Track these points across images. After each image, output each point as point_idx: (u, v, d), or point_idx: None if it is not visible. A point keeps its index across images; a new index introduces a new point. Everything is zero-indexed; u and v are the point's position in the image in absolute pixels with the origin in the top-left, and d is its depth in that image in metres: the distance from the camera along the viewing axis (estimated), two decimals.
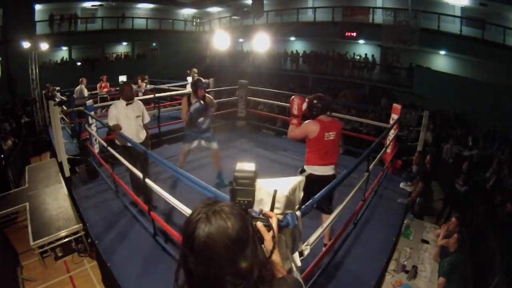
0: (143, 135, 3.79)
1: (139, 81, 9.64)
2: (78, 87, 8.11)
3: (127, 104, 3.65)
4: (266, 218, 0.97)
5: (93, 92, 8.85)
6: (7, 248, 4.02)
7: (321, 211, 2.75)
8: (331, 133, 2.71)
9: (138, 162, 3.41)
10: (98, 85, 8.73)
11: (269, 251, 0.94)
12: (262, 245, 0.95)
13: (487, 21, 10.00)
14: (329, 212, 2.62)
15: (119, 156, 3.73)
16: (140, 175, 2.89)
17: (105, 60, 16.47)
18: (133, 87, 3.98)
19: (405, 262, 3.15)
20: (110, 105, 7.89)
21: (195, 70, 8.20)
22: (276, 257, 0.96)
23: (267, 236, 0.94)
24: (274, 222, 1.00)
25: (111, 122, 3.59)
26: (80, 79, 8.21)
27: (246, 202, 0.97)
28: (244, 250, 0.71)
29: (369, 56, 13.17)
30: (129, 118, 3.65)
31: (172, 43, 17.05)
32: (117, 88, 8.71)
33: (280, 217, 1.39)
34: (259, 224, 0.94)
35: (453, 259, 2.97)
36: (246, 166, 1.00)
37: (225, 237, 0.69)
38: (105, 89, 8.49)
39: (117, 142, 3.73)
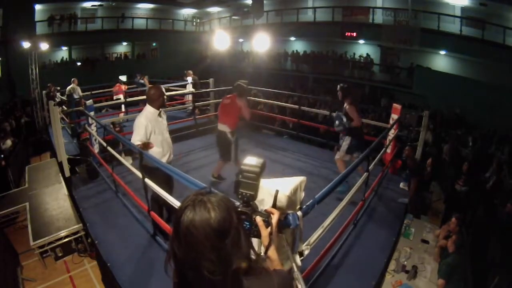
0: None
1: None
2: (70, 87, 8.17)
3: (159, 114, 2.96)
4: (267, 214, 0.99)
5: (99, 91, 8.91)
6: (7, 248, 4.01)
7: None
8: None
9: (164, 183, 2.78)
10: (114, 88, 8.65)
11: (265, 246, 0.97)
12: (257, 239, 0.98)
13: (487, 21, 10.01)
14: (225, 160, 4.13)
15: (119, 157, 3.73)
16: (140, 175, 2.88)
17: (105, 60, 16.47)
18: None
19: (405, 262, 3.15)
20: (111, 104, 7.94)
21: (190, 71, 8.39)
22: (272, 253, 0.98)
23: (264, 232, 0.96)
24: (274, 219, 1.01)
25: (139, 138, 2.80)
26: (72, 79, 8.30)
27: (248, 194, 0.98)
28: (224, 240, 0.74)
29: (369, 56, 13.18)
30: (165, 130, 3.02)
31: (172, 43, 17.05)
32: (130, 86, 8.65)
33: (282, 217, 1.39)
34: (258, 219, 0.96)
35: (451, 260, 2.97)
36: (254, 160, 1.01)
37: (206, 226, 0.72)
38: (120, 92, 8.41)
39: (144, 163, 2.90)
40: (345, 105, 3.94)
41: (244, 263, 0.78)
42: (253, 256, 0.87)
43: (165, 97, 3.00)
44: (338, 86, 3.96)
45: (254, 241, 1.01)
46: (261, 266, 0.86)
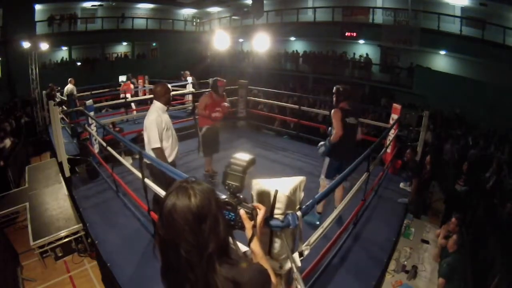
0: None
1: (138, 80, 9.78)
2: (68, 87, 8.23)
3: (166, 110, 2.95)
4: (252, 208, 1.04)
5: (99, 91, 8.89)
6: (7, 248, 4.01)
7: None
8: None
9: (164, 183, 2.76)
10: (123, 87, 8.66)
11: (248, 238, 1.02)
12: (241, 230, 1.03)
13: (487, 21, 10.01)
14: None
15: (119, 156, 3.73)
16: (140, 175, 2.88)
17: (105, 60, 16.47)
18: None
19: (405, 262, 3.15)
20: (111, 104, 8.03)
21: (187, 72, 8.45)
22: (255, 247, 1.03)
23: (248, 225, 1.02)
24: (260, 214, 1.07)
25: (154, 139, 2.74)
26: (69, 79, 8.37)
27: (234, 186, 1.04)
28: (201, 225, 0.80)
29: (369, 56, 13.18)
30: (172, 126, 2.99)
31: (172, 43, 17.05)
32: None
33: (281, 217, 1.39)
34: (242, 212, 1.02)
35: (452, 260, 2.97)
36: (242, 155, 1.08)
37: (186, 210, 0.80)
38: (129, 91, 8.46)
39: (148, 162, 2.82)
40: None
41: (224, 250, 0.84)
42: (233, 246, 0.93)
43: (171, 94, 2.97)
44: (334, 88, 3.34)
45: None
46: (239, 258, 0.91)
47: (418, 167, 4.47)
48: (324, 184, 3.32)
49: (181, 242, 0.79)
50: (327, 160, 3.30)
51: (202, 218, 0.80)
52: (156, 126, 2.74)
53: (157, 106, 2.87)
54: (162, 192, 2.58)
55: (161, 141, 2.81)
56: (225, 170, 1.06)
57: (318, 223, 3.10)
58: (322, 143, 3.29)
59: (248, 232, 1.02)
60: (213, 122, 4.06)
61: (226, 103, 4.10)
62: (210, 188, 0.86)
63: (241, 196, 1.06)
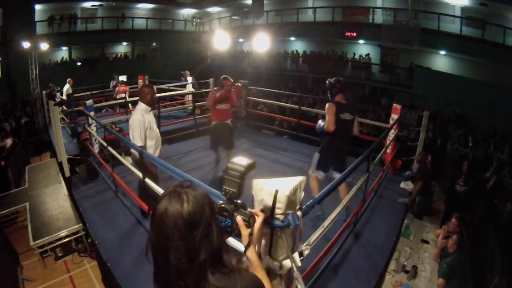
0: None
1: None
2: (65, 87, 8.25)
3: (150, 110, 3.17)
4: (249, 215, 1.00)
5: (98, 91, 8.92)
6: (7, 248, 4.01)
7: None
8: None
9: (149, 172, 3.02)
10: (117, 89, 8.62)
11: (244, 246, 0.99)
12: (235, 237, 1.00)
13: (487, 21, 10.01)
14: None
15: (119, 156, 3.73)
16: (140, 175, 2.88)
17: (105, 60, 16.45)
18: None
19: (405, 262, 3.15)
20: (111, 104, 8.03)
21: (187, 72, 8.47)
22: (251, 255, 1.00)
23: (245, 232, 0.98)
24: (258, 221, 1.04)
25: (138, 138, 2.98)
26: (68, 80, 8.39)
27: (231, 192, 1.00)
28: (193, 232, 0.77)
29: (369, 56, 13.17)
30: (156, 127, 3.24)
31: (172, 43, 17.05)
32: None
33: (281, 217, 1.39)
34: (239, 219, 0.98)
35: (452, 260, 2.97)
36: (240, 160, 1.04)
37: (177, 215, 0.77)
38: (123, 92, 8.43)
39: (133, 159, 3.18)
40: None
41: (217, 259, 0.81)
42: (228, 253, 0.89)
43: (155, 96, 3.15)
44: (327, 82, 3.24)
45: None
46: (233, 266, 0.87)
47: (427, 170, 4.44)
48: (313, 176, 3.26)
49: (171, 249, 0.76)
50: (316, 156, 3.29)
51: (194, 225, 0.77)
52: (139, 126, 2.97)
53: (141, 107, 3.09)
54: (157, 188, 2.60)
55: (145, 139, 3.05)
56: (222, 175, 1.03)
57: (320, 213, 3.12)
58: (320, 121, 3.24)
59: (245, 240, 0.99)
60: (220, 119, 4.33)
61: (238, 84, 4.48)
62: (205, 194, 0.83)
63: (239, 202, 1.02)
